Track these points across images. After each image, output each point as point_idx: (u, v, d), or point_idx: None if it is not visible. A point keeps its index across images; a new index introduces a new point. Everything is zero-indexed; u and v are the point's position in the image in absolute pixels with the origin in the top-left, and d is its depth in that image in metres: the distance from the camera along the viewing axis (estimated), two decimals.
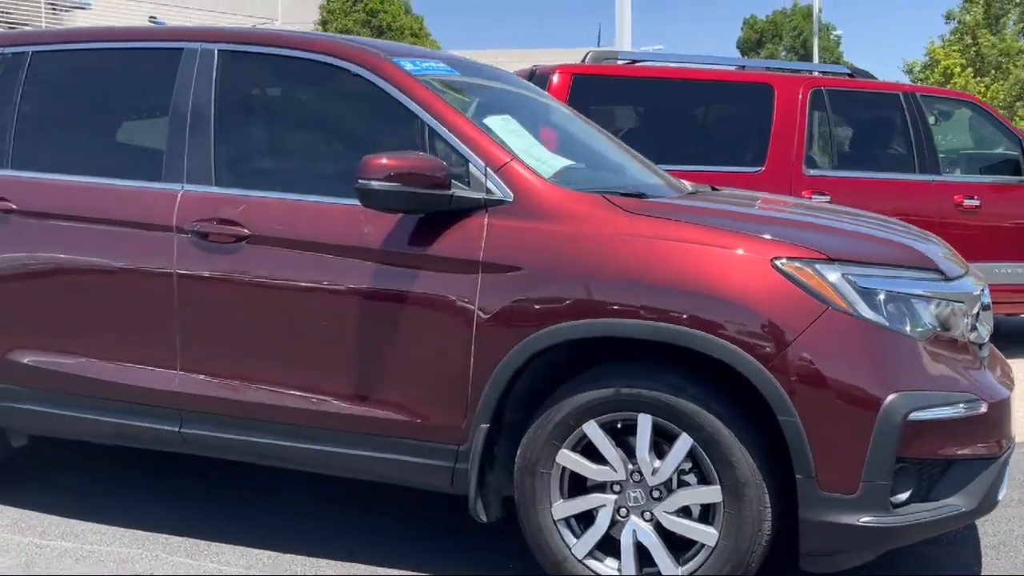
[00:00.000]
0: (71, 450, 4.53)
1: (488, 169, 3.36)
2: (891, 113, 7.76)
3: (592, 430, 3.18)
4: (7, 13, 23.03)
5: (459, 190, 3.32)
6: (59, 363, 3.86)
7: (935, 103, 8.39)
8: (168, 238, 3.68)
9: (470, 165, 3.39)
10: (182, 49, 3.87)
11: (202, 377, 3.66)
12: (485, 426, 3.26)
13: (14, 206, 3.94)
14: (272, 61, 3.92)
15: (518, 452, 3.28)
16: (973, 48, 34.77)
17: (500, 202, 3.34)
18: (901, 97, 7.70)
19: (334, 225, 3.50)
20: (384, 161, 3.21)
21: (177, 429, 3.72)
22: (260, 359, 3.61)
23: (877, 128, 8.14)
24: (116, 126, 4.30)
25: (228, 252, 3.60)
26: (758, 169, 7.22)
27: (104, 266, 3.79)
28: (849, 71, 8.37)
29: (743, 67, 8.69)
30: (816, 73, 8.61)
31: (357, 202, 3.32)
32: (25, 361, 3.90)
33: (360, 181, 3.22)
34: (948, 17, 36.81)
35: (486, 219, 3.31)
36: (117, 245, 3.78)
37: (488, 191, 3.35)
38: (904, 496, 3.06)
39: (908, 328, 3.09)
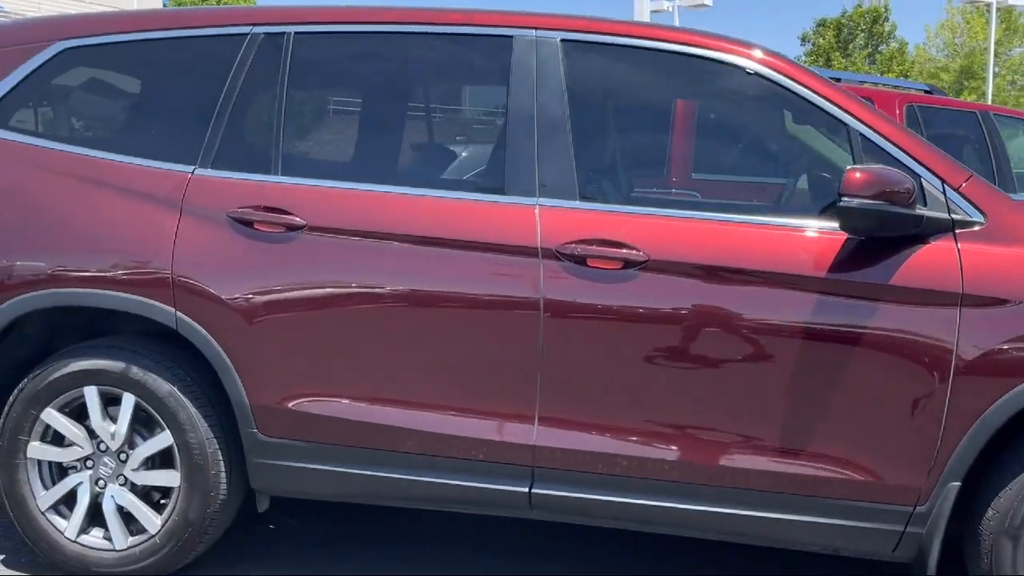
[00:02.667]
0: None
1: (946, 187, 3.02)
2: (970, 131, 7.64)
3: None
4: None
5: (925, 210, 2.96)
6: (362, 413, 3.19)
7: (1008, 122, 8.36)
8: (529, 263, 3.01)
9: (923, 181, 3.01)
10: (512, 37, 3.22)
11: (565, 428, 3.09)
12: (956, 485, 2.93)
13: (301, 221, 3.14)
14: (636, 55, 3.30)
15: (987, 513, 2.95)
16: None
17: (968, 224, 2.99)
18: (979, 116, 7.64)
19: (755, 249, 3.01)
20: (867, 176, 2.85)
21: (526, 490, 3.13)
22: (647, 407, 3.08)
23: (959, 145, 7.82)
24: (421, 126, 3.46)
25: (615, 281, 3.02)
26: None
27: (433, 296, 3.13)
28: (927, 88, 8.14)
29: (838, 79, 7.73)
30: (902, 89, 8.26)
31: (785, 221, 3.08)
32: (316, 412, 3.21)
33: (844, 199, 2.84)
34: (803, 39, 40.04)
35: (957, 244, 2.95)
36: (453, 271, 3.05)
37: (950, 211, 2.99)
38: None
39: None
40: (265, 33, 3.39)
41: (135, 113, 3.58)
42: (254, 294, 3.22)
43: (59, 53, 3.54)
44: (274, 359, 3.23)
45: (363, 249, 3.18)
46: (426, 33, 3.35)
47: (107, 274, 3.29)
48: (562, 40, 3.23)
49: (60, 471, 3.47)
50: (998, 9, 39.78)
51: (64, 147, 3.45)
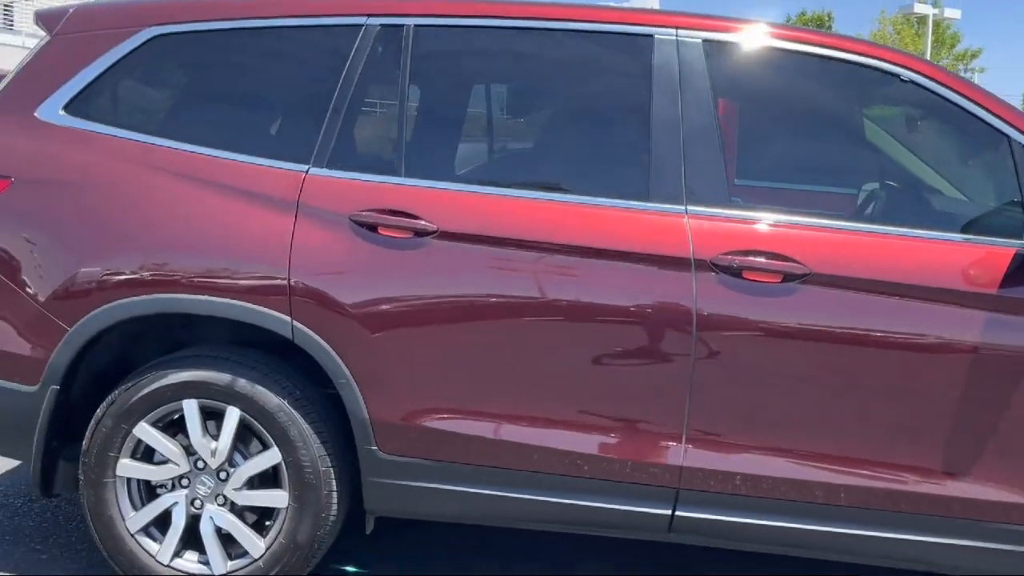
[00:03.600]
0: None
1: None
2: None
3: None
4: None
5: None
6: (493, 431, 3.03)
7: None
8: (681, 275, 2.88)
9: None
10: (652, 37, 3.11)
11: (714, 449, 2.97)
12: None
13: (431, 226, 2.98)
14: (790, 59, 3.19)
15: None
16: None
17: None
18: None
19: (926, 264, 2.91)
20: None
21: (669, 512, 2.99)
22: (804, 426, 2.95)
23: None
24: (553, 128, 3.34)
25: (773, 295, 2.91)
26: None
27: (574, 307, 2.97)
28: None
29: None
30: None
31: (952, 236, 2.98)
32: (442, 428, 3.03)
33: None
34: None
35: None
36: (595, 281, 2.92)
37: None
38: None
39: None
40: (382, 24, 3.19)
41: (236, 107, 3.34)
42: (378, 303, 3.02)
43: (149, 40, 3.29)
44: (398, 373, 3.03)
45: (497, 257, 3.00)
46: (560, 30, 3.19)
47: (217, 280, 3.06)
48: (704, 40, 3.11)
49: (148, 490, 3.23)
50: (923, 21, 40.97)
51: (157, 141, 3.19)
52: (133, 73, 3.31)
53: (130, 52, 3.28)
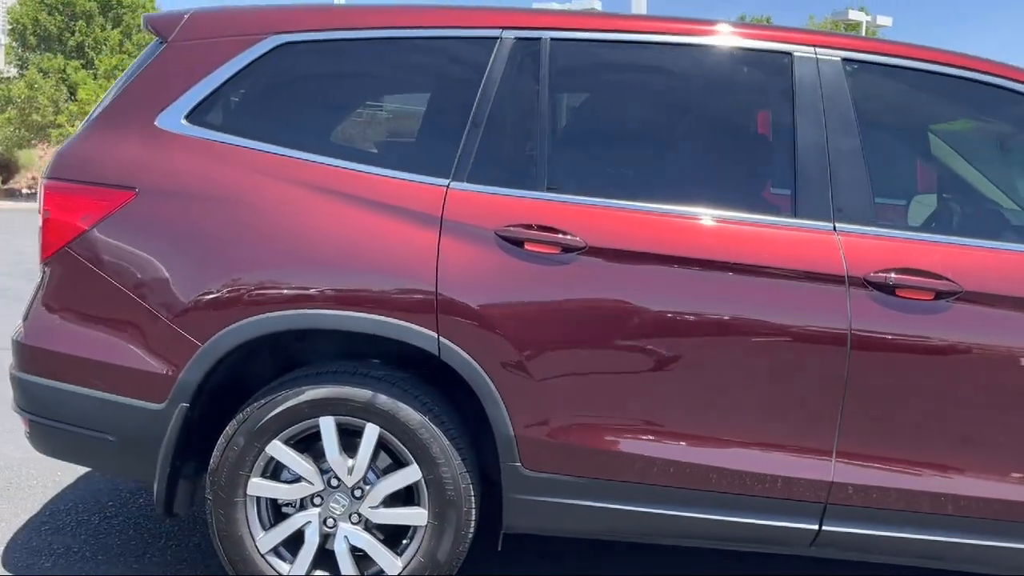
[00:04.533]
0: None
1: None
2: None
3: None
4: None
5: None
6: (642, 448, 3.02)
7: None
8: (834, 292, 2.92)
9: None
10: (791, 54, 3.16)
11: (864, 464, 3.00)
12: None
13: (580, 242, 2.98)
14: (920, 78, 3.25)
15: None
16: None
17: None
18: None
19: None
20: None
21: (815, 527, 3.03)
22: (954, 442, 3.01)
23: None
24: (695, 143, 3.31)
25: (925, 312, 2.96)
26: None
27: (726, 324, 2.98)
28: None
29: None
30: None
31: None
32: (590, 446, 3.02)
33: None
34: None
35: None
36: (747, 298, 2.95)
37: None
38: None
39: None
40: (517, 38, 3.17)
41: (366, 119, 3.28)
42: (526, 319, 2.99)
43: (274, 48, 3.22)
44: (546, 389, 3.01)
45: (646, 274, 3.01)
46: (701, 45, 3.21)
47: (361, 295, 3.01)
48: (844, 59, 3.16)
49: (274, 509, 3.16)
50: (847, 27, 41.91)
51: (288, 152, 3.12)
52: (258, 82, 3.23)
53: (254, 60, 3.20)
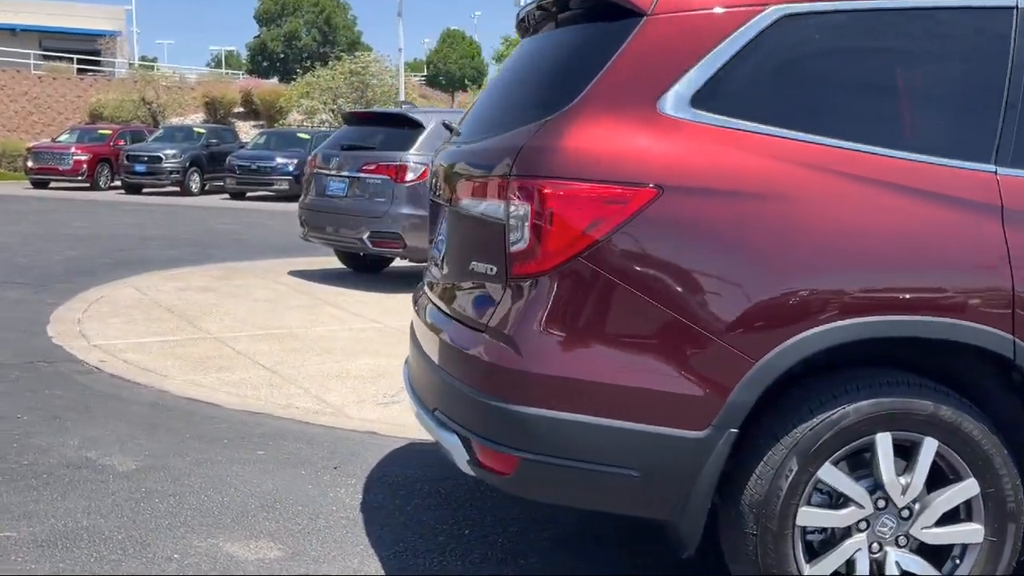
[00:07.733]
0: None
1: None
2: None
3: None
4: None
5: None
6: None
7: None
8: None
9: None
10: None
11: None
12: None
13: None
14: None
15: None
16: None
17: None
18: None
19: None
20: None
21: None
22: None
23: None
24: None
25: None
26: None
27: None
28: None
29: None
30: None
31: None
32: None
33: None
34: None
35: None
36: None
37: None
38: None
39: None
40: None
41: (884, 98, 2.93)
42: None
43: (776, 20, 2.84)
44: None
45: None
46: None
47: (930, 297, 2.71)
48: None
49: (803, 536, 2.83)
50: None
51: (828, 142, 2.76)
52: (762, 60, 2.84)
53: (756, 36, 2.82)
